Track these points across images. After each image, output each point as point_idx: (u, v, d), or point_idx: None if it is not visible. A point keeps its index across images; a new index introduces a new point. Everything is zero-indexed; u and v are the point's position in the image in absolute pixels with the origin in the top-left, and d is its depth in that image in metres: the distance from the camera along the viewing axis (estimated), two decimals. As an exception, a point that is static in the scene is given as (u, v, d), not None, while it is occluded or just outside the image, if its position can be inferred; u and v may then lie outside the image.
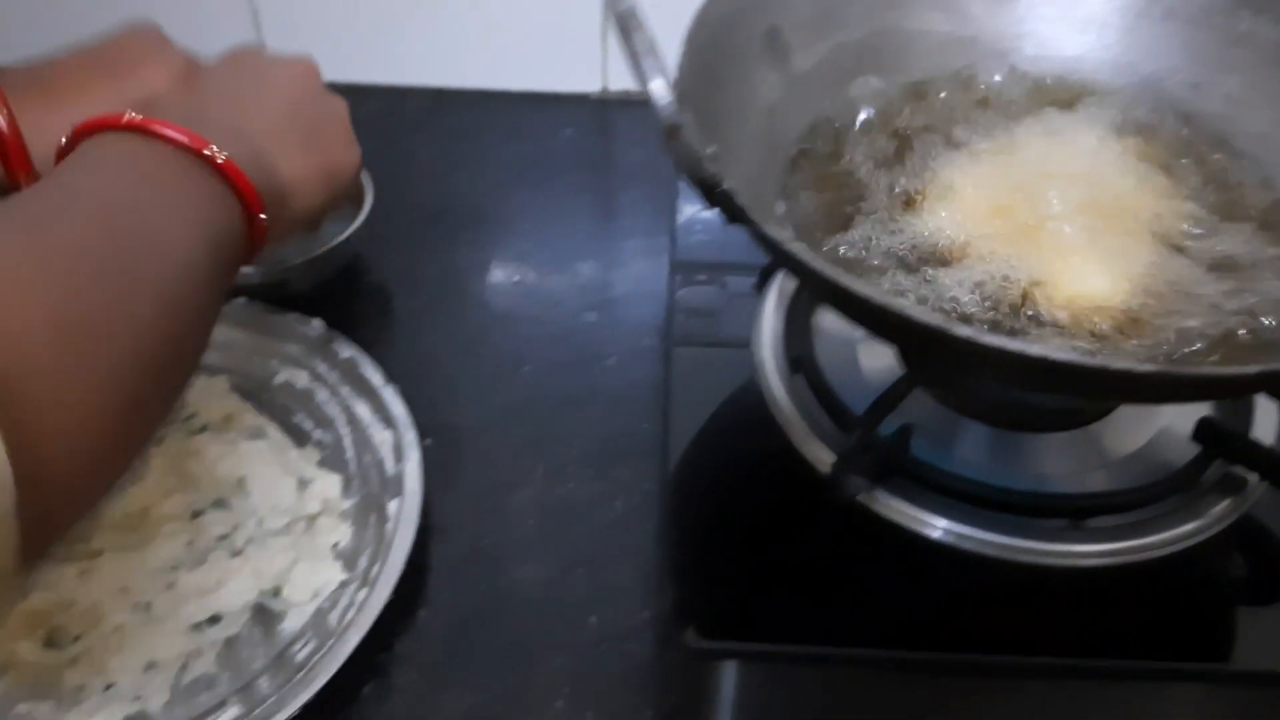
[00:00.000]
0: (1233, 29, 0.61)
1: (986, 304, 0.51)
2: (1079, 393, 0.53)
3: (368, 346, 0.76)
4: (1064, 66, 0.64)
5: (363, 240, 0.84)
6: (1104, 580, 0.55)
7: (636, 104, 1.03)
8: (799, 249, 0.44)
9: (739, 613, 0.53)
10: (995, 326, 0.50)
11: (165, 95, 0.60)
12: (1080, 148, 0.57)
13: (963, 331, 0.40)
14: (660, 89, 0.43)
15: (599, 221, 0.93)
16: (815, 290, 0.52)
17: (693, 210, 0.73)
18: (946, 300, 0.52)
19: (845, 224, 0.57)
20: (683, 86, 0.49)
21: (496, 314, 0.83)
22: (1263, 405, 0.59)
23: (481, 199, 0.93)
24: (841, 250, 0.54)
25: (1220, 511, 0.55)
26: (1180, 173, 0.58)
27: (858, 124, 0.61)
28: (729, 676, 0.56)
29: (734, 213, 0.47)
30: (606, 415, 0.76)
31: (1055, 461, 0.58)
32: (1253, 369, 0.39)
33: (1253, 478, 0.56)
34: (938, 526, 0.54)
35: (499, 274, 0.86)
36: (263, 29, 1.01)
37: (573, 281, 0.86)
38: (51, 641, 0.59)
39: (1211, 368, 0.40)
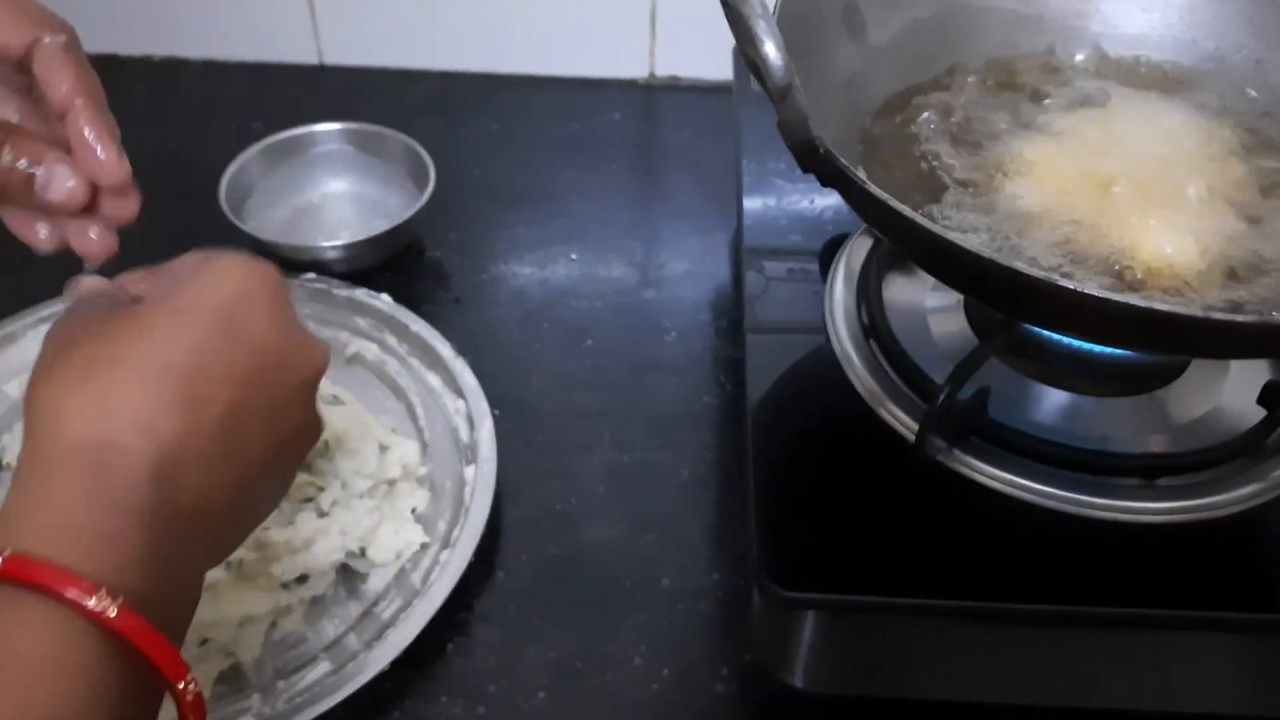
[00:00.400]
0: (1291, 3, 0.63)
1: (1074, 266, 0.53)
2: (1170, 347, 0.55)
3: (433, 321, 0.78)
4: (1128, 44, 0.66)
5: (423, 218, 0.85)
6: (1171, 536, 0.56)
7: (681, 89, 1.05)
8: (903, 207, 0.46)
9: (822, 566, 0.55)
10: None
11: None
12: (1158, 126, 0.59)
13: (1068, 284, 0.42)
14: (774, 51, 0.45)
15: (648, 202, 0.95)
16: (915, 248, 0.53)
17: (757, 198, 0.75)
18: (1031, 263, 0.54)
19: (921, 198, 0.58)
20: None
21: (555, 289, 0.85)
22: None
23: (534, 180, 0.94)
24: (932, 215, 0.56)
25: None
26: (1254, 148, 0.59)
27: (932, 100, 0.63)
28: (806, 628, 0.57)
29: (835, 174, 0.49)
30: (668, 387, 0.78)
31: (1122, 425, 0.60)
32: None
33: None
34: (1014, 484, 0.55)
35: (555, 251, 0.88)
36: (317, 17, 1.02)
37: (628, 259, 0.88)
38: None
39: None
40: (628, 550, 0.68)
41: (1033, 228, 0.55)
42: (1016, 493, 0.55)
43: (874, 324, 0.62)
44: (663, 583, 0.66)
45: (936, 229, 0.45)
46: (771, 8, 0.49)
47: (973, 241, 0.44)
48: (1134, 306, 0.42)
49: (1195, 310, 0.42)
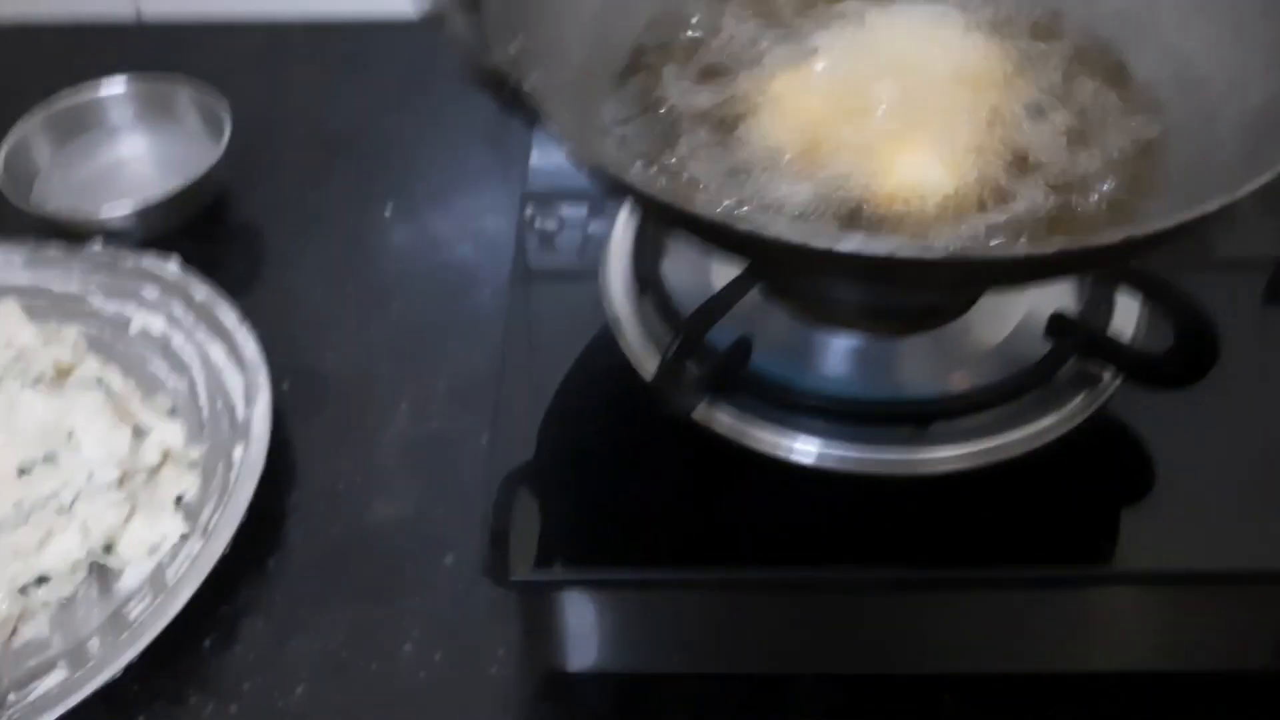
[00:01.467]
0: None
1: (820, 205, 0.48)
2: (897, 284, 0.50)
3: (233, 287, 0.73)
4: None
5: (233, 175, 0.80)
6: (960, 485, 0.52)
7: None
8: (608, 161, 0.40)
9: (568, 541, 0.51)
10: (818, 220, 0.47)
11: None
12: (921, 43, 0.53)
13: (772, 231, 0.37)
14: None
15: (479, 153, 0.89)
16: (616, 196, 0.49)
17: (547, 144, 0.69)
18: (774, 203, 0.49)
19: (676, 135, 0.53)
20: None
21: (367, 249, 0.80)
22: (1122, 301, 0.56)
23: (360, 132, 0.89)
24: (673, 161, 0.50)
25: (1074, 408, 0.52)
26: (1033, 58, 0.54)
27: (691, 26, 0.57)
28: (569, 607, 0.53)
29: (533, 115, 0.44)
30: (477, 350, 0.73)
31: (914, 365, 0.55)
32: (1052, 249, 0.36)
33: (1108, 373, 0.53)
34: (775, 442, 0.51)
35: (371, 207, 0.83)
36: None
37: (446, 213, 0.83)
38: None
39: (1000, 250, 0.37)
40: (412, 529, 0.64)
41: (777, 164, 0.50)
42: (778, 451, 0.51)
43: (646, 272, 0.57)
44: (445, 561, 0.62)
45: (630, 180, 0.39)
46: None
47: (658, 186, 0.39)
48: (837, 253, 0.37)
49: (890, 249, 0.36)
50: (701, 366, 0.51)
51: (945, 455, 0.52)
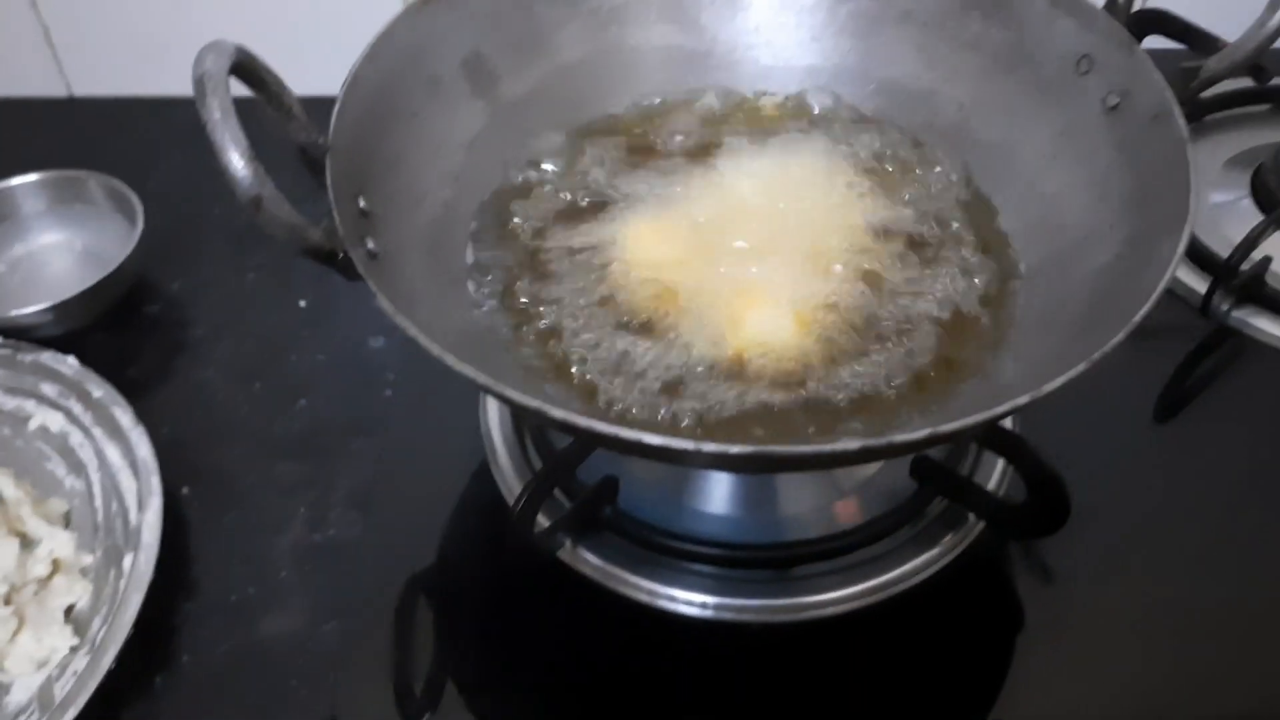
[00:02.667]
0: (964, 32, 0.57)
1: (664, 365, 0.48)
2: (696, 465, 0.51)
3: (143, 382, 0.73)
4: (800, 77, 0.61)
5: (149, 264, 0.80)
6: (827, 631, 0.52)
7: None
8: (416, 330, 0.41)
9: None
10: (671, 385, 0.47)
11: None
12: (787, 183, 0.55)
13: (558, 414, 0.38)
14: (237, 160, 0.40)
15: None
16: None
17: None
18: (622, 358, 0.49)
19: (542, 274, 0.54)
20: (347, 122, 0.46)
21: (275, 344, 0.80)
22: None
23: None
24: (524, 301, 0.51)
25: (943, 548, 0.52)
26: (900, 193, 0.55)
27: (551, 171, 0.57)
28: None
29: (359, 278, 0.44)
30: (377, 450, 0.73)
31: (782, 504, 0.56)
32: (855, 445, 0.37)
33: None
34: (639, 585, 0.52)
35: (285, 299, 0.83)
36: (56, 45, 0.96)
37: (360, 302, 0.82)
38: None
39: (791, 447, 0.38)
40: (303, 644, 0.64)
41: (628, 320, 0.50)
42: (639, 596, 0.51)
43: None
44: (329, 681, 0.62)
45: (464, 368, 0.40)
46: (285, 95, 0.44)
47: (482, 379, 0.39)
48: (642, 443, 0.37)
49: (688, 444, 0.37)
50: (569, 507, 0.51)
51: (813, 600, 0.52)
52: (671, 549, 0.52)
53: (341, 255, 0.43)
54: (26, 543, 0.64)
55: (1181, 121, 0.48)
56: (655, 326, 0.49)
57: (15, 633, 0.61)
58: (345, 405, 0.76)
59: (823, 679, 0.52)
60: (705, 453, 0.37)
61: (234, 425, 0.75)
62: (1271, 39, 0.50)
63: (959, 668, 0.53)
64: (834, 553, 0.52)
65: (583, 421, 0.37)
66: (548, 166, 0.57)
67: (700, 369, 0.47)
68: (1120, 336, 0.40)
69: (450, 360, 0.39)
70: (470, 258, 0.54)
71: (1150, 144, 0.49)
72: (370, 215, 0.47)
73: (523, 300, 0.51)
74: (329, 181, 0.45)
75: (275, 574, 0.67)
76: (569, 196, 0.56)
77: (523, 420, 0.57)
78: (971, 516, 0.53)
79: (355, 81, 0.50)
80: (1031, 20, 0.56)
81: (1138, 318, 0.40)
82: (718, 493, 0.55)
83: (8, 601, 0.62)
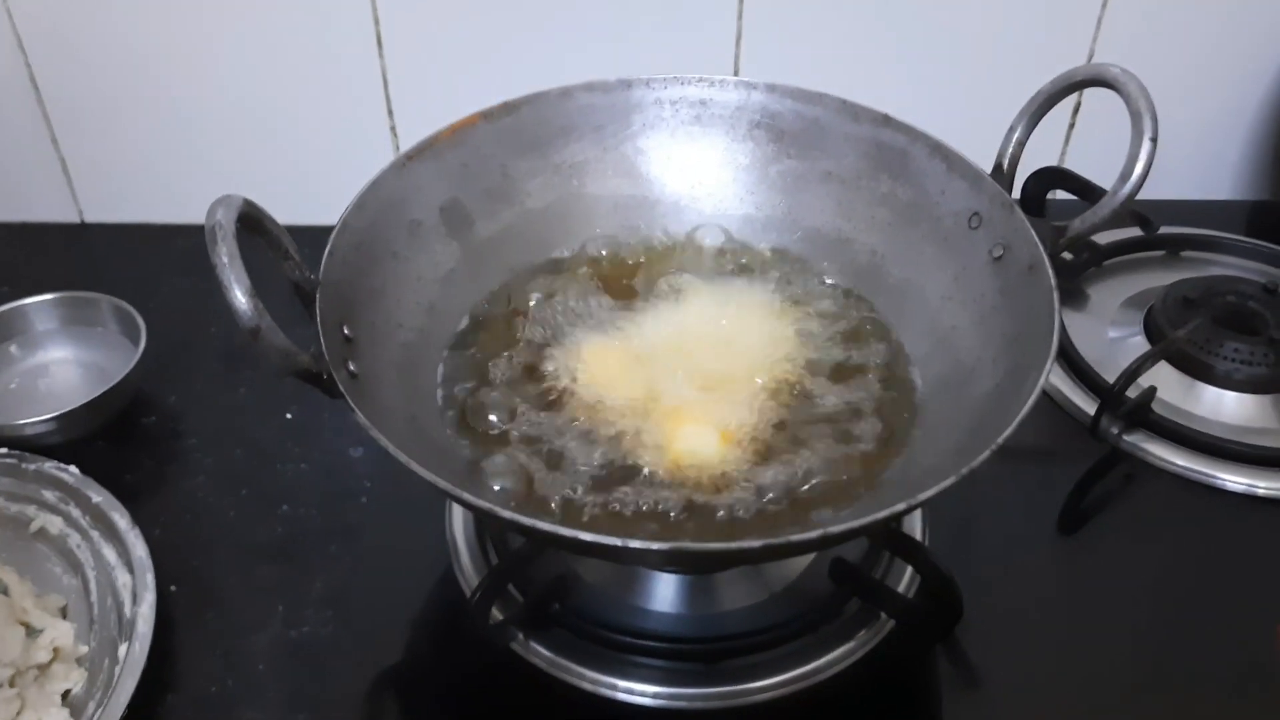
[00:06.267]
0: (876, 190, 0.66)
1: (604, 466, 0.55)
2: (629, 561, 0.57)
3: (138, 489, 0.79)
4: (737, 224, 0.69)
5: (148, 378, 0.87)
6: (751, 717, 0.58)
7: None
8: (386, 441, 0.48)
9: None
10: (607, 484, 0.54)
11: None
12: (724, 320, 0.63)
13: (506, 515, 0.45)
14: (240, 296, 0.47)
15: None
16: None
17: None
18: (571, 463, 0.56)
19: (505, 391, 0.61)
20: (336, 262, 0.54)
21: (261, 453, 0.87)
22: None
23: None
24: (491, 418, 0.58)
25: (857, 643, 0.58)
26: (816, 331, 0.63)
27: (523, 302, 0.66)
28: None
29: (341, 397, 0.51)
30: (355, 552, 0.79)
31: (728, 598, 0.62)
32: (758, 543, 0.43)
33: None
34: (585, 676, 0.57)
35: (271, 409, 0.90)
36: (70, 170, 1.05)
37: (342, 416, 0.89)
38: None
39: (694, 544, 0.45)
40: (275, 738, 0.69)
41: (588, 430, 0.57)
42: (584, 685, 0.57)
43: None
44: (300, 777, 0.67)
45: (436, 480, 0.47)
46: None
47: (441, 484, 0.46)
48: (559, 535, 0.44)
49: (615, 540, 0.44)
50: (529, 608, 0.57)
51: (742, 688, 0.58)
52: (616, 643, 0.58)
53: (326, 376, 0.50)
54: (30, 632, 0.69)
55: (1050, 273, 0.57)
56: (604, 438, 0.56)
57: (18, 714, 0.65)
58: (326, 511, 0.82)
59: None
60: (631, 549, 0.44)
61: (220, 530, 0.81)
62: (1125, 204, 0.58)
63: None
64: (760, 647, 0.58)
65: (526, 520, 0.44)
66: (513, 299, 0.64)
67: (644, 473, 0.55)
68: (985, 455, 0.47)
69: (415, 467, 0.46)
70: (439, 377, 0.61)
71: (1026, 290, 0.57)
72: (353, 341, 0.55)
73: (490, 417, 0.58)
74: (318, 314, 0.52)
75: (253, 668, 0.72)
76: (531, 323, 0.63)
77: (483, 523, 0.64)
78: (883, 615, 0.59)
79: (344, 228, 0.58)
80: (931, 181, 0.65)
81: (1000, 439, 0.48)
82: (661, 591, 0.61)
83: (11, 684, 0.67)
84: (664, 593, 0.61)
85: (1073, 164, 0.98)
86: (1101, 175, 0.69)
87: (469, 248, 0.65)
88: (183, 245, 1.05)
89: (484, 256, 0.65)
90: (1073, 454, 0.79)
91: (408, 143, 0.68)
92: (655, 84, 0.68)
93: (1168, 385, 0.80)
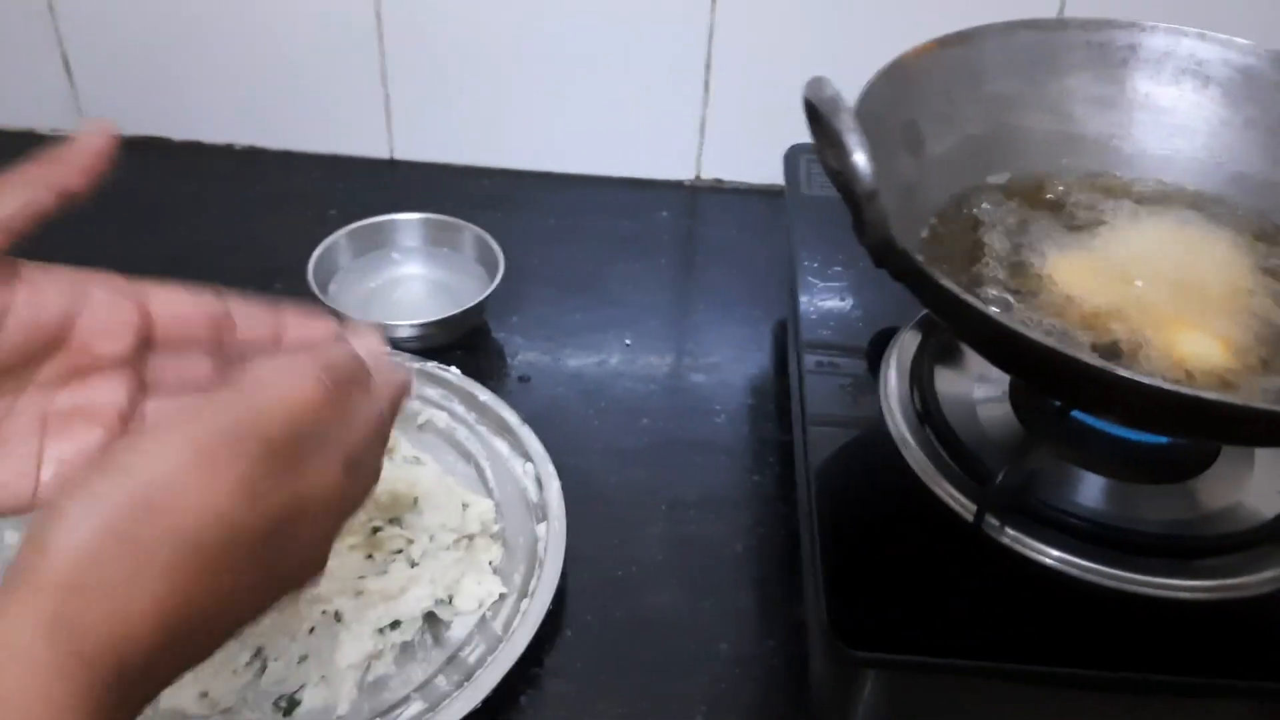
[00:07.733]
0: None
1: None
2: (1215, 434, 0.60)
3: (498, 396, 0.83)
4: (1157, 164, 0.73)
5: (489, 302, 0.91)
6: (1202, 611, 0.61)
7: (724, 191, 1.13)
8: (973, 300, 0.52)
9: (884, 628, 0.59)
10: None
11: None
12: (1183, 238, 0.66)
13: (1126, 374, 0.48)
14: (863, 160, 0.51)
15: (693, 294, 1.01)
16: (981, 339, 0.59)
17: (809, 296, 0.81)
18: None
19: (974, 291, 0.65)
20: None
21: (611, 371, 0.91)
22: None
23: (588, 271, 1.01)
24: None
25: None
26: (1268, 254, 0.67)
27: (984, 205, 0.69)
28: (866, 688, 0.62)
29: (911, 270, 0.55)
30: (719, 465, 0.83)
31: (1155, 509, 0.65)
32: None
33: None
34: (1059, 559, 0.61)
35: (610, 336, 0.94)
36: (392, 115, 1.10)
37: (677, 346, 0.94)
38: (256, 654, 0.65)
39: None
40: (686, 616, 0.72)
41: (1072, 324, 0.61)
42: (1061, 566, 0.60)
43: (928, 411, 0.68)
44: (720, 647, 0.71)
45: (1006, 320, 0.51)
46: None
47: (1037, 332, 0.50)
48: (1189, 396, 0.47)
49: (1245, 400, 0.47)
50: (1002, 497, 0.61)
51: (1192, 584, 0.61)
52: (1081, 531, 0.61)
53: (899, 248, 0.54)
54: (463, 505, 0.73)
55: None
56: (1099, 340, 0.60)
57: (461, 576, 0.69)
58: (682, 426, 0.86)
59: (1204, 646, 0.61)
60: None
61: (589, 435, 0.85)
62: None
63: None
64: (1209, 552, 0.62)
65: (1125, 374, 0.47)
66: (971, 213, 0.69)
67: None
68: None
69: (1020, 328, 0.50)
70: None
71: None
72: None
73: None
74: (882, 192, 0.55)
75: (651, 557, 0.76)
76: (992, 231, 0.68)
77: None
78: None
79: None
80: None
81: None
82: (1108, 492, 0.64)
83: (456, 547, 0.71)
84: (1096, 496, 0.64)
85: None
86: None
87: (923, 166, 0.69)
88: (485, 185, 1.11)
89: (932, 176, 0.69)
90: None
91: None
92: (1089, 26, 0.72)
93: None
